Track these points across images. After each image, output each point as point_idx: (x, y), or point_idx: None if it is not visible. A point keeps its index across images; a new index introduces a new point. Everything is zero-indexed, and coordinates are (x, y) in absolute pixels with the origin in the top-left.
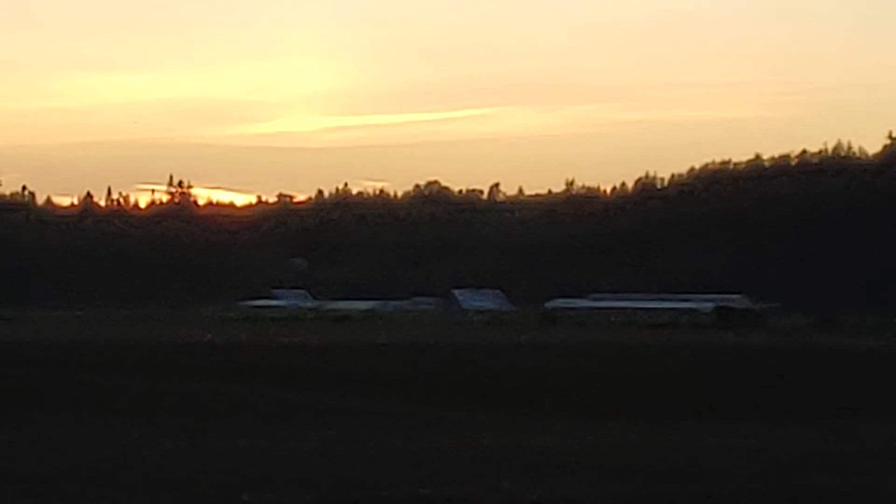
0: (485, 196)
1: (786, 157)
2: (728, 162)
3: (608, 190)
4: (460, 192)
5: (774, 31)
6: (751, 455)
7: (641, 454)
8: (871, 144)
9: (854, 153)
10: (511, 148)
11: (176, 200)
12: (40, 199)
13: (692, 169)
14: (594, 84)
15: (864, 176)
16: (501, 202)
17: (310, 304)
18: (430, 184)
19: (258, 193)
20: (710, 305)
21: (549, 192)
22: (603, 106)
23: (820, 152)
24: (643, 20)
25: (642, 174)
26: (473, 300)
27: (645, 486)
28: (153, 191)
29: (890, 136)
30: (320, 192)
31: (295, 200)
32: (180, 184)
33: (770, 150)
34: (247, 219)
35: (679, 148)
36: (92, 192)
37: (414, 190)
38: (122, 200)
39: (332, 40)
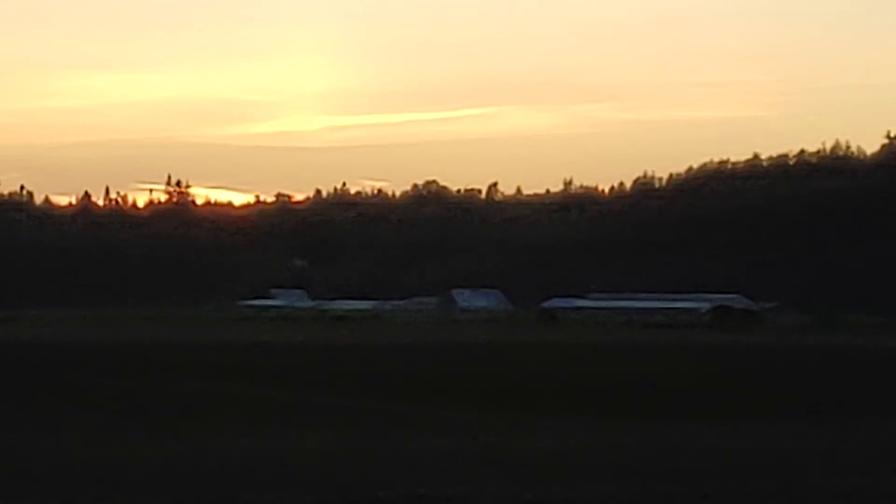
0: (483, 196)
1: (784, 157)
2: (726, 161)
3: (606, 189)
4: (459, 191)
5: (773, 31)
6: (750, 455)
7: (641, 454)
8: (869, 144)
9: (852, 153)
10: (509, 147)
11: (174, 200)
12: (38, 199)
13: (690, 168)
14: (592, 84)
15: (862, 175)
16: (500, 202)
17: (308, 303)
18: (428, 183)
19: (257, 193)
20: (708, 305)
21: (548, 191)
22: (601, 106)
23: (818, 152)
24: (641, 20)
25: (640, 174)
26: (472, 300)
27: (644, 486)
28: (151, 190)
29: (888, 136)
30: (319, 191)
31: (293, 200)
32: (178, 183)
33: (768, 149)
34: (245, 218)
35: (677, 147)
36: (90, 191)
37: (412, 189)
38: (120, 200)
39: (331, 40)
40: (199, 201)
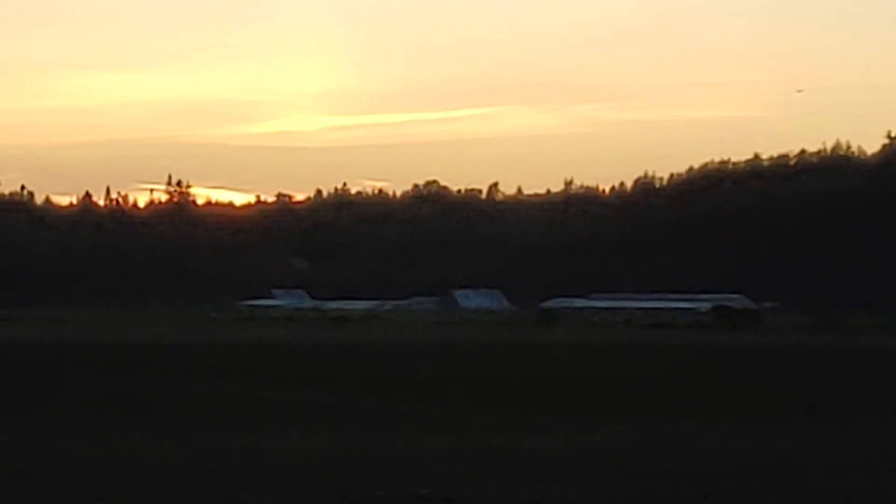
0: (483, 196)
1: (785, 157)
2: (727, 162)
3: (607, 189)
4: (459, 191)
5: (774, 31)
6: (750, 455)
7: (640, 454)
8: (869, 144)
9: (853, 153)
10: (510, 147)
11: (175, 200)
12: (39, 199)
13: (691, 168)
14: (593, 84)
15: (863, 175)
16: (500, 202)
17: (308, 303)
18: (428, 183)
19: (257, 193)
20: (708, 305)
21: (548, 191)
22: (602, 106)
23: (819, 152)
24: (641, 20)
25: (641, 174)
26: (472, 300)
27: (644, 486)
28: (152, 190)
29: (889, 136)
30: (319, 191)
31: (294, 200)
32: (179, 183)
33: (769, 149)
34: (246, 218)
35: (678, 147)
36: (91, 191)
37: (413, 190)
38: (121, 200)
39: (331, 40)
40: (200, 201)
